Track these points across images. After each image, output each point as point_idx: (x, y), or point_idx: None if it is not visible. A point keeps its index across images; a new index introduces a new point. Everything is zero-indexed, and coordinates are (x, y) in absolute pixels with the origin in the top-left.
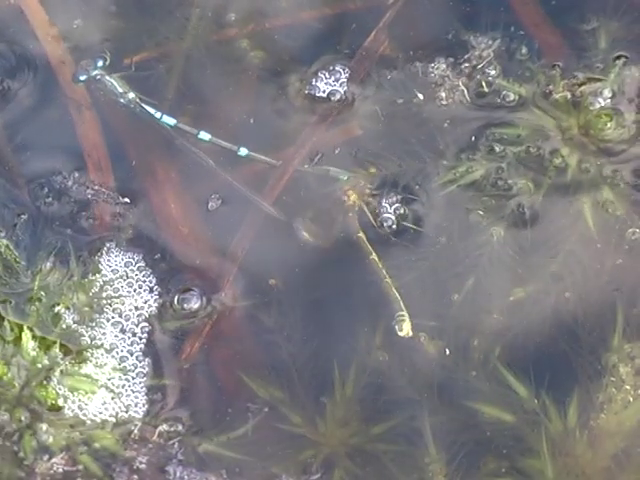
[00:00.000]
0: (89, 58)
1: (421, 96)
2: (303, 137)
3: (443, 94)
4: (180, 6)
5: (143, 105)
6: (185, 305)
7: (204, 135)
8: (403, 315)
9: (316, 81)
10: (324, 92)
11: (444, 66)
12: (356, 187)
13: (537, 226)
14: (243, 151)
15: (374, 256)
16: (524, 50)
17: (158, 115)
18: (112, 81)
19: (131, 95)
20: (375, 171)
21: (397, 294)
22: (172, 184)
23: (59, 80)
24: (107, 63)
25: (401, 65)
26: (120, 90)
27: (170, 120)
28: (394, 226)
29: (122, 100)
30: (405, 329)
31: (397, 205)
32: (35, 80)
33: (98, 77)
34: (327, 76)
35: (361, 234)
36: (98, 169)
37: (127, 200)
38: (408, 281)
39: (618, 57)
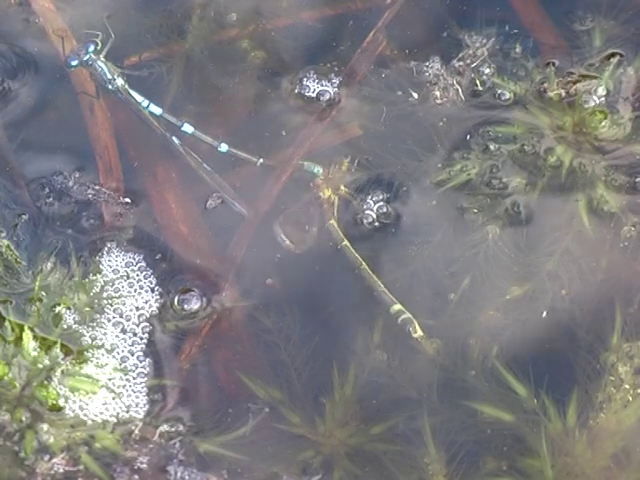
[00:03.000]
0: (81, 43)
1: (416, 95)
2: (300, 137)
3: (438, 93)
4: (181, 6)
5: (131, 92)
6: (185, 306)
7: (187, 128)
8: (403, 312)
9: (311, 81)
10: (314, 91)
11: (438, 65)
12: (329, 182)
13: (532, 224)
14: (224, 147)
15: (346, 242)
16: (518, 48)
17: (145, 104)
18: (102, 66)
19: (120, 82)
20: (348, 165)
21: (378, 281)
22: (172, 184)
23: (71, 79)
24: (99, 48)
25: (395, 64)
26: (109, 76)
27: (156, 109)
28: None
29: (110, 86)
30: (417, 330)
31: (383, 206)
32: (40, 79)
33: (90, 62)
34: (324, 77)
35: (332, 221)
36: (109, 170)
37: (128, 200)
38: (403, 280)
39: (612, 55)
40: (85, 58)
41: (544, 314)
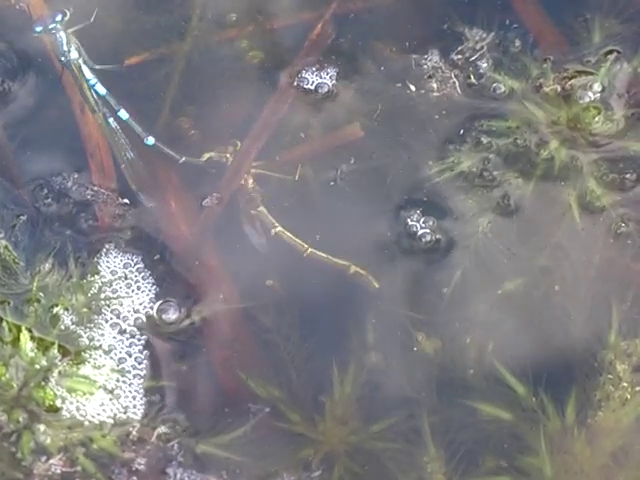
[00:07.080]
0: (51, 11)
1: (413, 87)
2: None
3: (435, 85)
4: (180, 7)
5: (82, 68)
6: (164, 316)
7: (123, 114)
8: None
9: (310, 73)
10: (312, 83)
11: (437, 58)
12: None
13: (524, 218)
14: (150, 140)
15: (280, 228)
16: (518, 43)
17: (93, 82)
18: (62, 37)
19: (74, 55)
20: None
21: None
22: (172, 185)
23: (62, 80)
24: (66, 19)
25: (395, 56)
26: (64, 48)
27: (101, 89)
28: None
29: (62, 58)
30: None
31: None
32: (36, 80)
33: (53, 31)
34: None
35: (261, 208)
36: (100, 170)
37: (126, 201)
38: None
39: (610, 52)
40: (50, 26)
41: None
